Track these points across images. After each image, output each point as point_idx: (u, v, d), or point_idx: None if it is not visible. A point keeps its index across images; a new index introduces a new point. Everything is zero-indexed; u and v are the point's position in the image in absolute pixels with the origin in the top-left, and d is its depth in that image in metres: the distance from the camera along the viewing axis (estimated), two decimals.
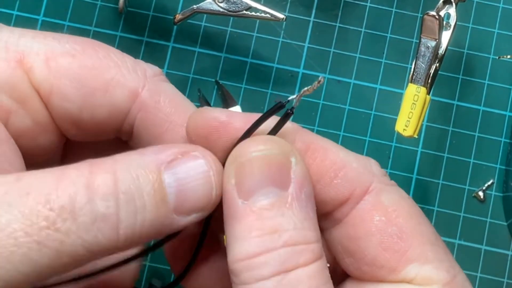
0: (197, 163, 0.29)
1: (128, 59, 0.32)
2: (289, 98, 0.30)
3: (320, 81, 0.30)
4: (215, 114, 0.30)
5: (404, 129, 0.50)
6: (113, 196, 0.26)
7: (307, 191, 0.29)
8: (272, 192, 0.28)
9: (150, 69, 0.33)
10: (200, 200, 0.29)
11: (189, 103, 0.33)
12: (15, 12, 0.61)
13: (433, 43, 0.51)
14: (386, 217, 0.30)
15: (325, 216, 0.32)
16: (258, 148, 0.29)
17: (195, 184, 0.28)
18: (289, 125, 0.31)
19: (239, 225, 0.28)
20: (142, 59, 0.60)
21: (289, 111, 0.30)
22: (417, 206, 0.32)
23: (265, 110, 0.60)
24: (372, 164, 0.32)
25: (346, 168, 0.31)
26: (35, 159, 0.32)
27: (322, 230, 0.32)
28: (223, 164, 0.30)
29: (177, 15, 0.56)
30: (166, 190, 0.27)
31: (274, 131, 0.30)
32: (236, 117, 0.30)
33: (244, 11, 0.55)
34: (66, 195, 0.25)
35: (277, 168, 0.29)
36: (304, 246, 0.28)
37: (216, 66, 0.61)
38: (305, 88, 0.30)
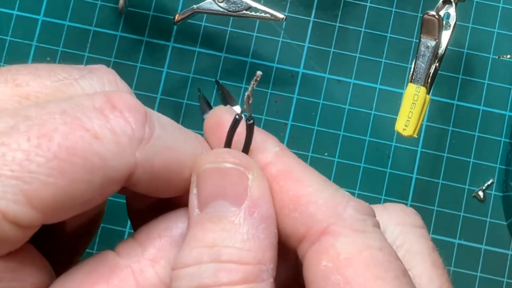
0: None
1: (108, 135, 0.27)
2: (242, 109, 0.30)
3: (257, 76, 0.29)
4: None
5: (404, 129, 0.50)
6: None
7: (262, 212, 0.28)
8: (223, 206, 0.28)
9: (132, 118, 0.27)
10: None
11: (184, 137, 0.30)
12: (15, 12, 0.61)
13: (433, 43, 0.51)
14: (333, 264, 0.27)
15: (292, 251, 0.30)
16: (212, 159, 0.29)
17: None
18: (275, 148, 0.30)
19: (188, 234, 0.28)
20: (142, 59, 0.61)
21: (236, 116, 0.29)
22: (393, 260, 0.28)
23: (265, 110, 0.60)
24: (349, 207, 0.29)
25: (309, 204, 0.29)
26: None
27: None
28: None
29: (177, 15, 0.56)
30: None
31: (227, 144, 0.30)
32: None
33: (244, 11, 0.55)
34: None
35: (230, 182, 0.28)
36: (235, 265, 0.27)
37: (216, 66, 0.61)
38: (248, 94, 0.29)
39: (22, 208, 0.25)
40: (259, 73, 0.29)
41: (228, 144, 0.30)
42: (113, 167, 0.26)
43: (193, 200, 0.29)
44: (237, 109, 0.59)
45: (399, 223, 0.32)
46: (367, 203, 0.30)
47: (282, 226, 0.29)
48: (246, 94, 0.29)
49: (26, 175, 0.25)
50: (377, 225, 0.29)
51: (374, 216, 0.29)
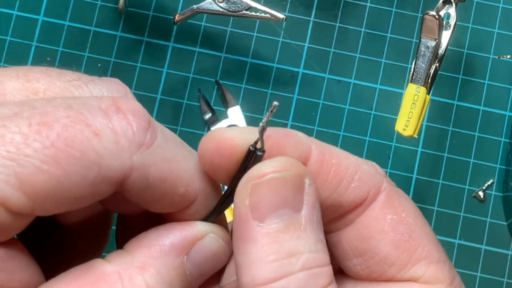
0: (211, 245, 0.30)
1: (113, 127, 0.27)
2: (256, 140, 0.29)
3: (274, 108, 0.29)
4: (240, 133, 0.30)
5: (404, 129, 0.50)
6: None
7: (317, 213, 0.29)
8: (286, 214, 0.28)
9: (136, 130, 0.27)
10: (217, 267, 0.31)
11: (185, 154, 0.30)
12: (15, 12, 0.61)
13: (433, 43, 0.51)
14: (397, 217, 0.31)
15: (336, 219, 0.32)
16: (276, 169, 0.28)
17: (212, 263, 0.30)
18: (300, 135, 0.31)
19: (255, 248, 0.28)
20: (142, 59, 0.61)
21: (259, 152, 0.29)
22: (417, 207, 0.33)
23: (265, 110, 0.60)
24: (376, 167, 0.32)
25: (360, 171, 0.31)
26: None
27: (329, 233, 0.33)
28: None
29: (177, 15, 0.56)
30: (189, 278, 0.29)
31: (243, 171, 0.29)
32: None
33: (244, 11, 0.55)
34: None
35: (292, 189, 0.28)
36: (320, 269, 0.28)
37: (216, 66, 0.61)
38: (262, 124, 0.29)
39: (13, 191, 0.25)
40: (275, 103, 0.29)
41: (241, 174, 0.29)
42: (109, 166, 0.26)
43: (245, 212, 0.28)
44: (237, 109, 0.59)
45: None
46: None
47: (340, 199, 0.31)
48: (261, 124, 0.29)
49: (21, 158, 0.25)
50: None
51: None
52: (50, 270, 0.29)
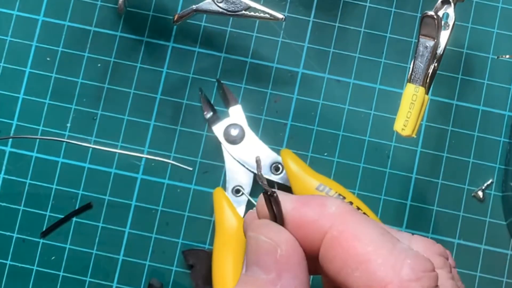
0: None
1: None
2: (266, 189, 0.33)
3: (259, 162, 0.33)
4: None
5: (402, 129, 0.50)
6: None
7: (285, 283, 0.31)
8: (257, 272, 0.32)
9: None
10: None
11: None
12: (15, 12, 0.61)
13: (431, 43, 0.51)
14: None
15: None
16: (253, 230, 0.33)
17: None
18: (333, 208, 0.33)
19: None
20: (142, 59, 0.61)
21: (270, 193, 0.32)
22: None
23: (264, 110, 0.60)
24: (405, 265, 0.31)
25: (369, 262, 0.31)
26: None
27: None
28: None
29: (176, 15, 0.56)
30: None
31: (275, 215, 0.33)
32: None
33: (243, 11, 0.55)
34: None
35: (262, 253, 0.32)
36: None
37: (215, 66, 0.61)
38: (258, 175, 0.33)
39: None
40: (258, 159, 0.33)
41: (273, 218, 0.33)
42: None
43: (244, 258, 0.33)
44: (238, 108, 0.59)
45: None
46: (424, 256, 0.32)
47: (344, 284, 0.32)
48: (258, 175, 0.33)
49: None
50: (431, 283, 0.32)
51: (431, 270, 0.32)
52: None
